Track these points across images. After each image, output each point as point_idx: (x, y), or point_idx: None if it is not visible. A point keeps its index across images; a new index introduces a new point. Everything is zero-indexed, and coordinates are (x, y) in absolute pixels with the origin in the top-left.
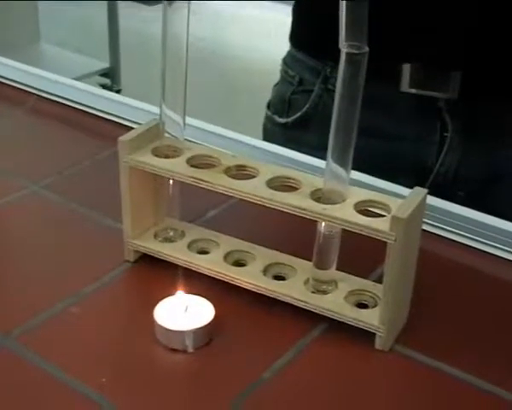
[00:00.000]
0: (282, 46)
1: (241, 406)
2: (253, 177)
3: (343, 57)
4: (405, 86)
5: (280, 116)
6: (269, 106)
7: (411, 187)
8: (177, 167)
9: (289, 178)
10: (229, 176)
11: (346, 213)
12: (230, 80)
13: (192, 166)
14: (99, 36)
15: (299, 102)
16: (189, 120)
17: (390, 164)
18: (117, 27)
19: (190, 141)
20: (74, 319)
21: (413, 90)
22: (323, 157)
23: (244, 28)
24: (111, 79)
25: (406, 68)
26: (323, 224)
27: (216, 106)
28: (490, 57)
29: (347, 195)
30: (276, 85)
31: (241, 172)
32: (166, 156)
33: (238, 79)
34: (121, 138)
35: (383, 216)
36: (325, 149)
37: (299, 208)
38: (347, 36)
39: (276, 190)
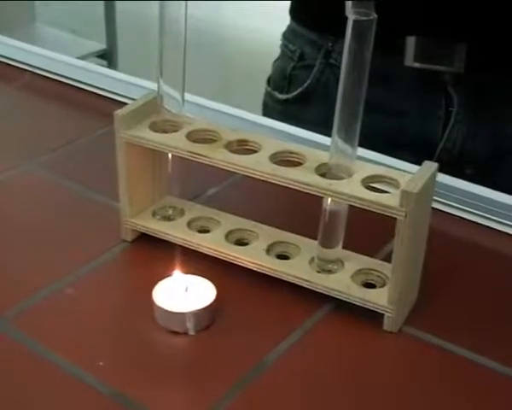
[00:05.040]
0: (281, 26)
1: (244, 389)
2: (255, 152)
3: (350, 25)
4: (410, 60)
5: (280, 92)
6: (269, 82)
7: (416, 164)
8: (175, 142)
9: (293, 153)
10: (231, 151)
11: (353, 188)
12: (228, 61)
13: (191, 140)
14: (95, 17)
15: (299, 77)
16: (187, 96)
17: (394, 140)
18: (113, 8)
19: None
20: (69, 300)
21: (417, 64)
22: (325, 133)
23: (242, 8)
24: (108, 60)
25: (411, 41)
26: (329, 200)
27: (214, 87)
28: (496, 30)
29: (354, 170)
30: (276, 61)
31: (242, 146)
32: (164, 131)
33: (236, 60)
34: (117, 112)
35: (387, 192)
36: (327, 125)
37: (303, 184)
38: (354, 2)
39: (279, 165)
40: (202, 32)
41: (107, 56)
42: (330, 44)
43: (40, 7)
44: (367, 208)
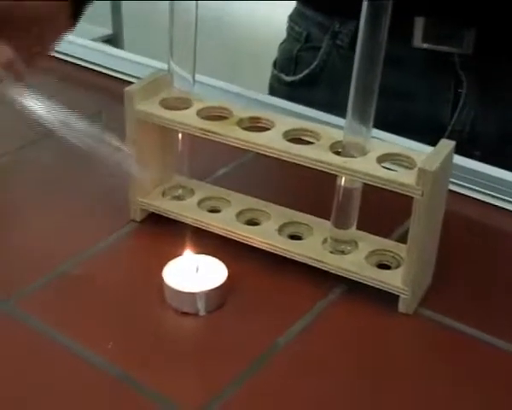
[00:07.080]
0: (286, 10)
1: (257, 372)
2: (268, 129)
3: (365, 4)
4: (418, 41)
5: (287, 74)
6: (275, 64)
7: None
8: (186, 119)
9: (307, 131)
10: (243, 128)
11: (368, 166)
12: (235, 47)
13: (203, 118)
14: (101, 2)
15: (306, 59)
16: (196, 76)
17: (403, 123)
18: None
19: None
20: (78, 281)
21: (425, 45)
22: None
23: None
24: (114, 45)
25: (419, 22)
26: (343, 179)
27: (219, 70)
28: (505, 11)
29: (369, 148)
30: (282, 43)
31: (254, 124)
32: (175, 109)
33: (243, 46)
34: (128, 89)
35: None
36: (334, 106)
37: (318, 161)
38: None
39: (292, 142)
40: (208, 16)
41: (114, 41)
42: (337, 26)
43: None
44: (383, 187)
